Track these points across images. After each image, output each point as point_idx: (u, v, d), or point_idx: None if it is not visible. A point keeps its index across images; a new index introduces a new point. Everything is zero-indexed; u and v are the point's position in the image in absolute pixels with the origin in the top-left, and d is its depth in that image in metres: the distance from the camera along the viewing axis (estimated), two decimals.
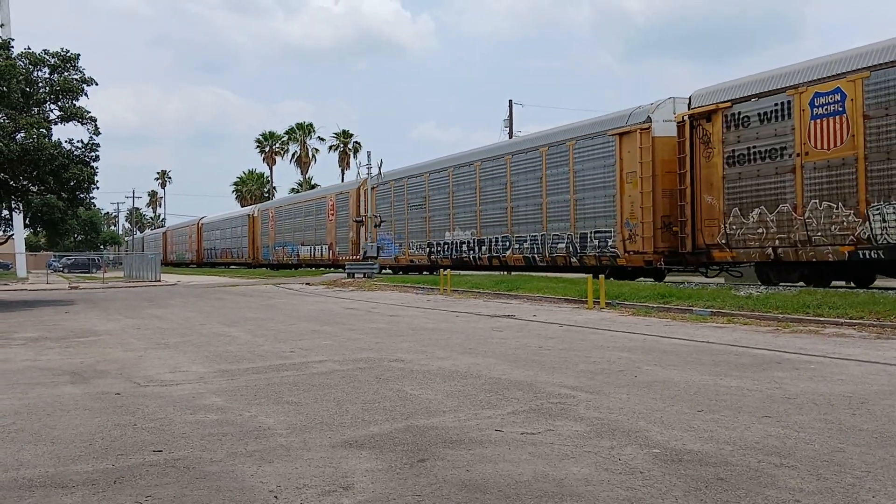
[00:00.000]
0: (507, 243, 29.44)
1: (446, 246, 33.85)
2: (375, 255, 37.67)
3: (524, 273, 29.66)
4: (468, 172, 32.40)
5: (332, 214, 47.60)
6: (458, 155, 34.70)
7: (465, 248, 32.46)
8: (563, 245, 26.05)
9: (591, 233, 24.78)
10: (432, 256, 35.04)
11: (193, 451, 5.33)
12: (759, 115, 19.21)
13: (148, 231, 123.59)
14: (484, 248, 31.05)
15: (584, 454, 5.10)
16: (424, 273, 36.82)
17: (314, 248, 51.05)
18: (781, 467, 4.74)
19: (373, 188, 39.32)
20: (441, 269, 28.60)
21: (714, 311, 15.16)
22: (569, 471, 4.72)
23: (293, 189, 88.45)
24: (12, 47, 25.70)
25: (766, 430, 5.71)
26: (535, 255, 27.67)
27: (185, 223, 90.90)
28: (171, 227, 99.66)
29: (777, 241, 18.70)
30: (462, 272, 31.77)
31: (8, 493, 4.48)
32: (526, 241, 28.25)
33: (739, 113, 19.76)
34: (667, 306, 16.36)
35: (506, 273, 31.61)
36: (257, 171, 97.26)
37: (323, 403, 6.97)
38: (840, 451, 5.12)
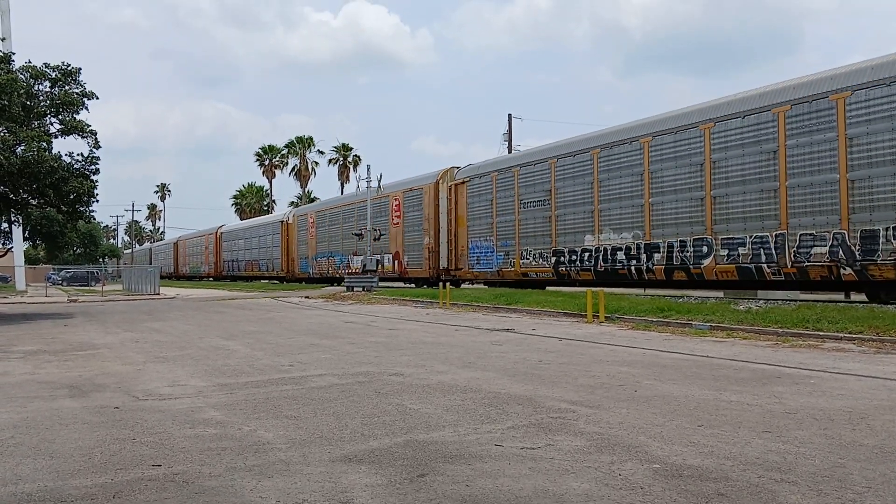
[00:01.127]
0: (705, 248, 21.31)
1: (587, 255, 25.48)
2: (375, 268, 37.66)
3: (622, 289, 26.36)
4: (628, 153, 24.08)
5: (398, 217, 38.87)
6: (608, 131, 25.90)
7: (621, 256, 24.02)
8: (824, 249, 18.19)
9: (887, 229, 16.95)
10: (562, 268, 26.70)
11: (192, 466, 5.31)
12: None
13: (156, 242, 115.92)
14: (657, 255, 22.78)
15: (584, 469, 5.09)
16: (547, 289, 28.64)
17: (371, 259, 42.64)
18: (782, 483, 4.73)
19: (461, 182, 32.96)
20: (586, 287, 22.19)
21: (713, 325, 15.16)
22: (569, 486, 4.71)
23: (293, 203, 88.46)
24: (13, 61, 25.78)
25: (767, 445, 5.70)
26: (764, 265, 19.59)
27: (201, 232, 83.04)
28: (185, 236, 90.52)
29: None
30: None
31: None
32: (743, 243, 20.17)
33: None
34: (666, 320, 16.35)
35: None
36: (257, 185, 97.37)
37: (322, 418, 6.95)
38: (841, 466, 5.11)
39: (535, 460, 5.33)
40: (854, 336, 12.80)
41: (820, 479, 4.79)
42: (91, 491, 4.75)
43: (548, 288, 28.74)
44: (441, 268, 34.37)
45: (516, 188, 29.61)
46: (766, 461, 5.24)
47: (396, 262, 38.68)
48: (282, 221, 57.01)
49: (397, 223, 39.03)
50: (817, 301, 18.68)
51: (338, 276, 46.26)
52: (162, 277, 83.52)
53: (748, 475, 4.90)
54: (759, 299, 19.70)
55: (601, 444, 5.80)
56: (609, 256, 24.48)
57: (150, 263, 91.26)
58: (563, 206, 26.93)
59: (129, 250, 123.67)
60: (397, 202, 39.16)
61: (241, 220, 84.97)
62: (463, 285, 34.98)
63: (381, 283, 37.99)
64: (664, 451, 5.53)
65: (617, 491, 4.59)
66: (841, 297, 20.55)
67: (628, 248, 23.79)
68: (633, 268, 23.50)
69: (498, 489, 4.67)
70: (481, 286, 31.74)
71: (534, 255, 28.43)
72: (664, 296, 22.28)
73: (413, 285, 37.91)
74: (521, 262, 29.03)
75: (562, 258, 26.84)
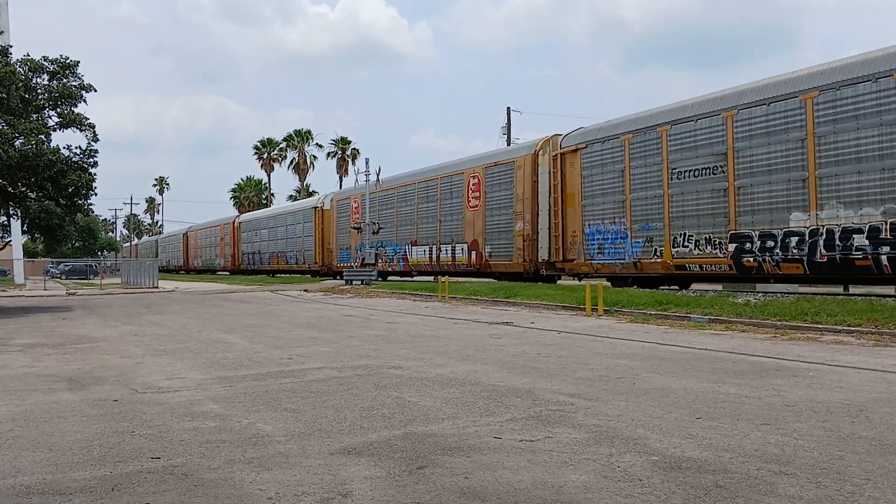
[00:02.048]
0: None
1: (794, 239, 18.73)
2: (373, 261, 37.54)
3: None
4: (872, 96, 17.15)
5: (477, 198, 31.72)
6: (833, 65, 18.54)
7: (860, 241, 17.26)
8: None
9: None
10: (748, 258, 19.89)
11: (192, 458, 5.31)
12: None
13: (163, 233, 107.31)
14: None
15: (582, 461, 5.09)
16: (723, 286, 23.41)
17: (437, 250, 34.66)
18: (781, 475, 4.73)
19: (572, 150, 25.90)
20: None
21: (712, 318, 15.16)
22: (568, 478, 4.71)
23: (291, 196, 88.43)
24: (11, 54, 25.72)
25: (765, 437, 5.71)
26: None
27: (215, 221, 76.80)
28: (197, 226, 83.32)
29: None
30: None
31: (5, 501, 4.46)
32: None
33: None
34: (665, 313, 16.35)
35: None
36: (255, 178, 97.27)
37: (321, 410, 6.95)
38: (839, 458, 5.11)
39: (533, 452, 5.34)
40: (853, 329, 12.81)
41: (819, 472, 4.79)
42: (90, 483, 4.75)
43: (724, 285, 23.57)
44: (540, 260, 27.78)
45: (664, 153, 22.39)
46: (765, 453, 5.24)
47: (474, 253, 31.81)
48: (315, 208, 50.24)
49: (475, 206, 31.77)
50: (816, 294, 18.68)
51: (388, 269, 39.29)
52: (170, 271, 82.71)
53: (747, 467, 4.90)
54: (759, 292, 19.69)
55: (600, 436, 5.80)
56: (837, 241, 17.73)
57: (157, 256, 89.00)
58: (747, 173, 19.93)
59: (128, 243, 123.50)
60: (475, 180, 31.91)
61: (241, 213, 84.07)
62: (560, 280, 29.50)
63: (455, 280, 31.11)
64: (663, 444, 5.53)
65: (616, 483, 4.60)
66: (839, 289, 20.39)
67: (874, 230, 16.97)
68: (884, 257, 16.78)
69: (497, 481, 4.67)
70: (601, 282, 23.22)
71: (696, 240, 21.43)
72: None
73: (495, 281, 30.53)
74: (674, 250, 22.13)
75: (748, 245, 19.90)
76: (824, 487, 4.48)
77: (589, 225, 25.40)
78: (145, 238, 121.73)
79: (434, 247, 35.01)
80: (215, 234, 73.23)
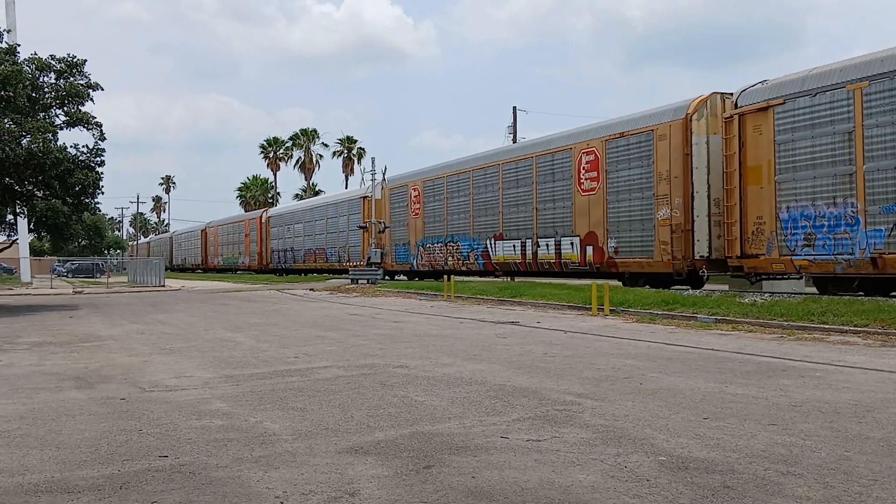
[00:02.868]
0: None
1: None
2: (379, 260, 37.55)
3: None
4: None
5: (594, 179, 25.20)
6: None
7: None
8: None
9: None
10: None
11: (199, 457, 5.33)
12: None
13: (176, 230, 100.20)
14: None
15: (590, 461, 5.09)
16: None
17: (534, 245, 27.90)
18: (788, 475, 4.72)
19: (758, 109, 19.64)
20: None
21: (718, 318, 15.14)
22: (575, 478, 4.71)
23: (297, 195, 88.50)
24: (18, 53, 25.79)
25: (773, 437, 5.70)
26: None
27: (238, 217, 72.97)
28: (216, 222, 78.33)
29: None
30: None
31: (14, 499, 4.48)
32: None
33: None
34: (671, 313, 16.33)
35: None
36: (261, 177, 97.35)
37: (328, 409, 6.96)
38: (847, 459, 5.10)
39: (540, 452, 5.34)
40: (859, 329, 12.78)
41: (826, 472, 4.78)
42: (98, 482, 4.77)
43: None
44: (698, 256, 21.44)
45: None
46: (772, 454, 5.23)
47: (591, 248, 25.30)
48: (363, 198, 44.40)
49: (591, 189, 25.32)
50: (822, 294, 18.62)
51: (462, 269, 32.77)
52: (186, 270, 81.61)
53: (754, 467, 4.90)
54: (765, 292, 19.64)
55: (607, 436, 5.80)
56: None
57: (171, 254, 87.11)
58: None
59: (135, 242, 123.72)
60: (590, 156, 25.40)
61: (247, 211, 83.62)
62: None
63: (565, 281, 27.17)
64: (670, 444, 5.53)
65: (623, 483, 4.59)
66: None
67: None
68: None
69: (504, 481, 4.67)
70: (799, 285, 20.68)
71: None
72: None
73: (619, 283, 24.59)
74: None
75: None
76: (832, 488, 4.47)
77: (788, 208, 18.96)
78: (156, 235, 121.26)
79: (528, 241, 28.37)
80: (239, 230, 68.43)
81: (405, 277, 38.83)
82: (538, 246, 27.68)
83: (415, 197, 37.12)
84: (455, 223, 33.39)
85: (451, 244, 33.68)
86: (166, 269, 65.03)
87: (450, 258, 33.71)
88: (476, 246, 31.83)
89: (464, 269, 32.77)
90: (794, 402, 7.09)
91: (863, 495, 4.34)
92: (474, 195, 32.09)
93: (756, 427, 6.05)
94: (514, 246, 29.15)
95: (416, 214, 36.74)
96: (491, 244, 30.70)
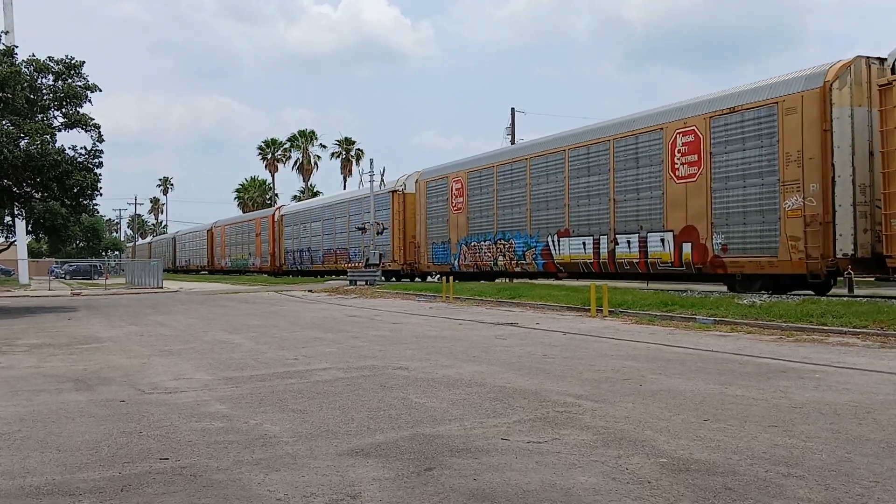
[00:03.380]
0: None
1: None
2: (378, 262, 37.52)
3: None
4: None
5: (694, 163, 21.47)
6: None
7: None
8: None
9: None
10: None
11: (200, 459, 5.32)
12: None
13: (182, 230, 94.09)
14: None
15: (591, 463, 5.09)
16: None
17: (611, 242, 24.23)
18: (789, 477, 4.73)
19: None
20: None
21: (717, 319, 15.15)
22: (576, 480, 4.71)
23: (295, 196, 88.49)
24: (16, 54, 25.78)
25: (773, 439, 5.70)
26: None
27: (248, 216, 70.25)
28: (224, 220, 74.47)
29: None
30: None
31: (15, 501, 4.47)
32: None
33: None
34: (670, 315, 16.34)
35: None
36: (259, 178, 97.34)
37: (328, 411, 6.96)
38: (847, 460, 5.11)
39: (541, 454, 5.34)
40: (858, 331, 12.79)
41: (827, 474, 4.79)
42: (99, 484, 4.76)
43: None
44: (839, 254, 17.80)
45: None
46: (773, 455, 5.24)
47: (689, 245, 21.54)
48: (393, 192, 40.17)
49: (689, 175, 21.59)
50: (821, 296, 18.63)
51: (516, 270, 29.32)
52: (189, 272, 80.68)
53: (755, 469, 4.90)
54: (764, 293, 19.64)
55: (608, 438, 5.80)
56: None
57: (175, 255, 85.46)
58: None
59: (132, 243, 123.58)
60: (688, 137, 21.69)
61: (244, 212, 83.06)
62: None
63: (659, 288, 24.15)
64: (671, 446, 5.53)
65: (624, 485, 4.59)
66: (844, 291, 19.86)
67: None
68: None
69: (505, 483, 4.67)
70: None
71: None
72: (668, 290, 21.75)
73: (726, 288, 21.64)
74: None
75: None
76: (833, 490, 4.47)
77: None
78: (157, 236, 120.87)
79: (602, 238, 24.62)
80: (249, 229, 64.50)
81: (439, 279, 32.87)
82: (615, 243, 24.05)
83: (457, 190, 33.23)
84: (507, 218, 29.54)
85: (503, 242, 29.82)
86: (169, 271, 63.69)
87: (500, 257, 29.95)
88: (534, 244, 27.90)
89: (518, 269, 29.13)
90: (794, 403, 7.09)
91: (864, 497, 4.34)
92: (532, 186, 28.06)
93: (757, 429, 6.05)
94: (583, 244, 25.47)
95: (459, 209, 32.95)
96: (554, 242, 26.80)
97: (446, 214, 33.92)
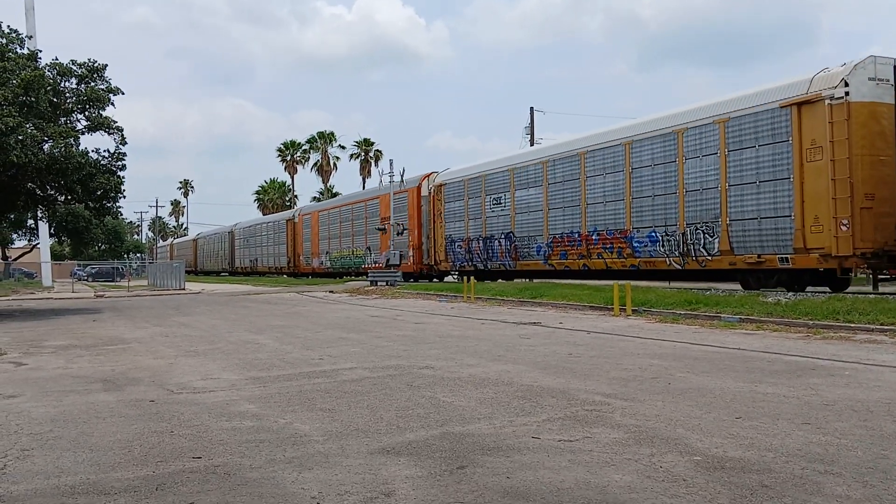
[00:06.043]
0: None
1: None
2: (398, 262, 37.52)
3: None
4: None
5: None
6: None
7: None
8: None
9: None
10: None
11: (232, 458, 5.34)
12: None
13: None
14: None
15: (624, 461, 5.06)
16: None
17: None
18: (826, 474, 4.67)
19: None
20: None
21: (742, 317, 15.03)
22: (610, 478, 4.68)
23: (314, 198, 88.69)
24: (40, 58, 26.04)
25: (807, 436, 5.64)
26: None
27: (266, 219, 68.14)
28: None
29: None
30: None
31: (50, 500, 4.50)
32: None
33: None
34: (694, 313, 16.23)
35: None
36: (279, 180, 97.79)
37: (357, 410, 6.96)
38: (884, 457, 5.04)
39: (573, 452, 5.31)
40: (886, 328, 12.63)
41: (864, 471, 4.73)
42: (134, 483, 4.78)
43: None
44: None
45: None
46: (808, 453, 5.18)
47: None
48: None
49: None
50: (847, 293, 18.45)
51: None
52: (209, 273, 79.91)
53: (791, 467, 4.85)
54: (788, 291, 19.46)
55: (639, 436, 5.76)
56: None
57: (196, 257, 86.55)
58: None
59: (155, 245, 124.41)
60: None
61: (264, 214, 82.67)
62: None
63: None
64: (704, 444, 5.49)
65: (660, 483, 4.56)
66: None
67: None
68: None
69: (539, 481, 4.65)
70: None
71: None
72: (691, 288, 21.50)
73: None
74: None
75: None
76: (872, 487, 4.42)
77: None
78: (178, 238, 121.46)
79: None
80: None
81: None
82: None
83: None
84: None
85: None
86: (190, 273, 63.07)
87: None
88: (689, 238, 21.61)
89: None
90: (825, 400, 7.02)
91: None
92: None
93: (790, 426, 5.99)
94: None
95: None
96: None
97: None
